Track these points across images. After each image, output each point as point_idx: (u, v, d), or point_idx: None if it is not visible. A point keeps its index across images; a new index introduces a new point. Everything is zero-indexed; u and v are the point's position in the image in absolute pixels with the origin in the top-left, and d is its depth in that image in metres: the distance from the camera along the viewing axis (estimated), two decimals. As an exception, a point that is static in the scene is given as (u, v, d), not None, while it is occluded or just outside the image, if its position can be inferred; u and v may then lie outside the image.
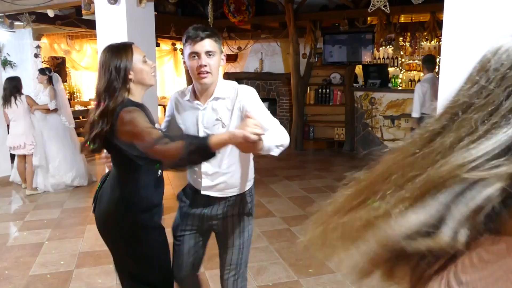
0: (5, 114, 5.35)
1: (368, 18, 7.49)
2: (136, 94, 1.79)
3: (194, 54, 1.73)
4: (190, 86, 1.89)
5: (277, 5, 7.75)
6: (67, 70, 9.92)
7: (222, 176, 1.87)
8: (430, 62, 5.23)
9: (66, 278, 3.11)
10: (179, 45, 10.52)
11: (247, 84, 9.44)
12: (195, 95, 1.85)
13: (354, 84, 8.06)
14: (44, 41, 9.26)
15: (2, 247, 3.67)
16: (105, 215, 1.86)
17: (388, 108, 7.38)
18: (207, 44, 1.72)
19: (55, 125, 5.42)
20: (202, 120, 1.82)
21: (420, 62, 7.88)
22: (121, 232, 1.82)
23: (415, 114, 5.06)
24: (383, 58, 8.19)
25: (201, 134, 1.79)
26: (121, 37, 4.15)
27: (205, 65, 1.71)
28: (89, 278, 3.09)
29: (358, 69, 8.18)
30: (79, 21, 7.21)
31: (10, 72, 8.05)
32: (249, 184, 1.95)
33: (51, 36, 9.44)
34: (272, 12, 8.14)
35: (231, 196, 1.91)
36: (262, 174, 6.31)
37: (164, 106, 9.71)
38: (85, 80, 10.76)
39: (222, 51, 1.84)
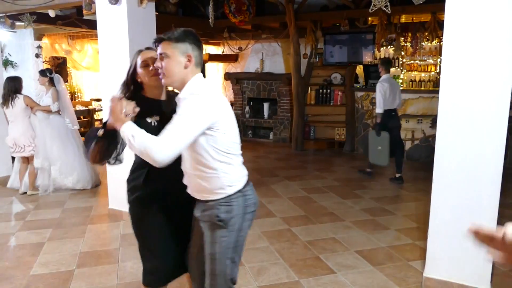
0: (6, 114, 5.33)
1: (369, 18, 7.48)
2: (147, 91, 2.12)
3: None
4: None
5: (277, 6, 7.75)
6: (68, 70, 9.92)
7: (189, 177, 1.92)
8: (388, 64, 5.83)
9: (67, 278, 3.12)
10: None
11: (247, 84, 9.49)
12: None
13: (355, 84, 8.06)
14: (45, 41, 9.26)
15: (3, 247, 3.68)
16: None
17: (388, 108, 7.37)
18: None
19: (57, 126, 5.35)
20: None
21: (420, 63, 7.90)
22: None
23: (379, 110, 5.62)
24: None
25: None
26: (122, 37, 4.16)
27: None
28: (89, 278, 3.09)
29: (359, 69, 8.18)
30: (80, 21, 7.21)
31: (11, 72, 8.06)
32: (221, 194, 1.85)
33: (52, 36, 9.45)
34: (273, 12, 8.14)
35: (201, 200, 1.91)
36: (262, 174, 6.31)
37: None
38: (86, 80, 10.75)
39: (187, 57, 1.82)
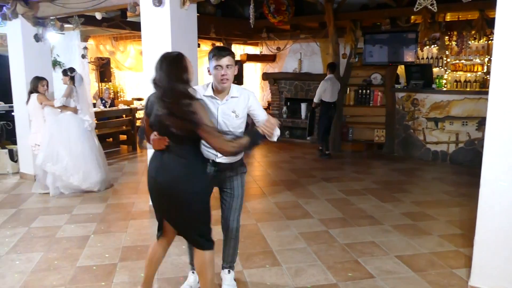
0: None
1: (412, 16, 7.27)
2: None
3: (218, 66, 2.49)
4: (210, 84, 2.63)
5: (316, 5, 7.68)
6: (111, 70, 10.29)
7: None
8: (333, 67, 7.36)
9: (110, 270, 3.23)
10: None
11: (285, 84, 9.48)
12: (214, 93, 2.60)
13: (396, 85, 7.86)
14: (90, 42, 9.65)
15: (52, 239, 3.86)
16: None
17: (431, 109, 7.14)
18: (227, 60, 2.51)
19: (65, 125, 5.25)
20: (221, 112, 2.59)
21: (466, 62, 7.60)
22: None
23: (316, 100, 7.30)
24: (427, 58, 7.94)
25: (220, 121, 2.58)
26: (165, 39, 4.27)
27: (225, 74, 2.50)
28: (132, 272, 3.19)
29: (400, 69, 7.97)
30: (124, 23, 7.46)
31: (59, 72, 8.45)
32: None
33: (97, 38, 9.83)
34: (312, 12, 8.08)
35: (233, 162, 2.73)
36: (299, 175, 6.28)
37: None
38: (129, 80, 11.11)
39: (236, 64, 2.60)
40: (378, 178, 6.15)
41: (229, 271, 2.91)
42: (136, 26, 7.44)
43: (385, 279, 3.09)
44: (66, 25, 6.20)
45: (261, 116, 2.63)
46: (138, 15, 4.61)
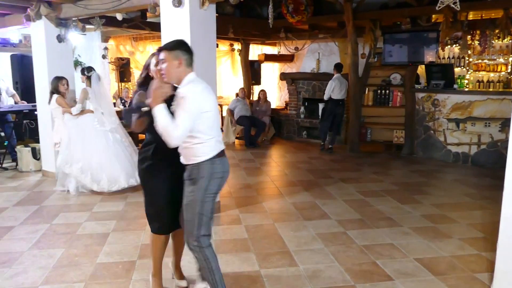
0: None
1: (433, 15, 7.14)
2: None
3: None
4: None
5: (335, 5, 7.63)
6: (131, 70, 10.43)
7: (180, 147, 2.51)
8: (340, 67, 7.84)
9: (129, 268, 3.28)
10: (236, 46, 10.68)
11: (303, 84, 9.44)
12: None
13: (416, 85, 7.73)
14: (111, 43, 9.80)
15: (73, 235, 3.94)
16: None
17: (453, 110, 7.00)
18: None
19: (83, 126, 5.33)
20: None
21: (489, 62, 7.43)
22: None
23: (325, 97, 7.86)
24: (448, 57, 7.79)
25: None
26: (184, 38, 4.28)
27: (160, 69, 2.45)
28: (150, 269, 3.22)
29: (421, 69, 7.84)
30: (143, 24, 7.55)
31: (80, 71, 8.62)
32: (195, 160, 2.49)
33: (117, 38, 9.98)
34: (330, 11, 8.02)
35: (186, 164, 2.54)
36: (316, 176, 6.25)
37: (221, 106, 9.91)
38: (147, 80, 11.21)
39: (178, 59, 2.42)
40: (397, 179, 6.07)
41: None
42: (155, 27, 7.53)
43: (404, 282, 3.05)
44: (87, 26, 6.31)
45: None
46: (158, 15, 4.66)
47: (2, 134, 7.11)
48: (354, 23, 7.50)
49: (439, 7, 3.36)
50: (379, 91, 8.13)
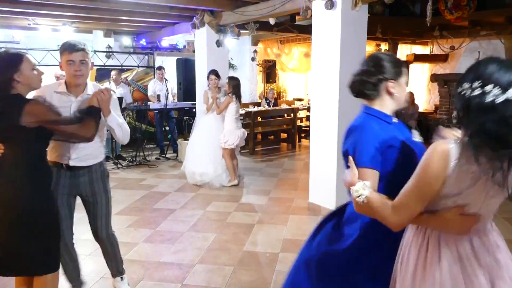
0: None
1: None
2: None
3: (71, 61, 2.36)
4: (64, 81, 2.47)
5: (504, -3, 6.73)
6: (276, 71, 10.91)
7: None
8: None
9: (273, 259, 3.45)
10: (383, 46, 10.27)
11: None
12: (68, 89, 2.46)
13: None
14: (260, 46, 10.42)
15: (223, 223, 4.33)
16: None
17: None
18: (80, 55, 2.38)
19: (215, 126, 5.76)
20: (74, 108, 2.40)
21: None
22: None
23: None
24: None
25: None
26: (334, 40, 4.32)
27: (78, 70, 2.38)
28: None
29: None
30: (292, 27, 7.81)
31: (231, 73, 9.36)
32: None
33: (265, 41, 10.56)
34: (497, 5, 7.09)
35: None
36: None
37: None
38: (291, 81, 11.61)
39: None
40: None
41: (121, 278, 2.86)
42: (302, 29, 7.72)
43: None
44: (242, 31, 6.83)
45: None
46: (309, 18, 4.78)
47: (167, 128, 8.15)
48: (527, 16, 6.51)
49: None
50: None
